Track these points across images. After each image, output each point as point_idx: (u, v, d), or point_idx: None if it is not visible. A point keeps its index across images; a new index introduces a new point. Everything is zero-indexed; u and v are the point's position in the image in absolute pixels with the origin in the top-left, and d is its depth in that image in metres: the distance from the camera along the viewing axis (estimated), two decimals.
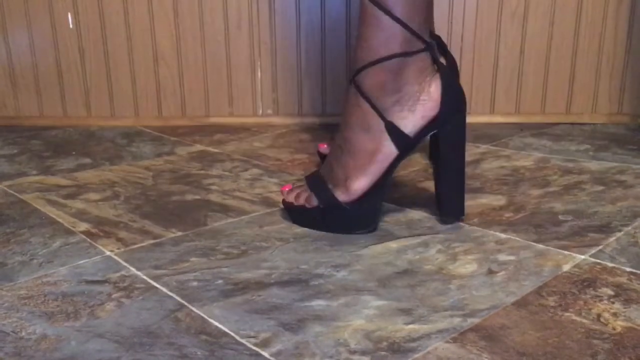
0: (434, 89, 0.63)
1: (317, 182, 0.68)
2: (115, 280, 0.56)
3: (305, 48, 1.20)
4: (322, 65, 1.21)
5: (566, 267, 0.57)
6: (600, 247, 0.61)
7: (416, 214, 0.71)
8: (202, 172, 0.91)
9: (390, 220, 0.70)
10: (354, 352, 0.44)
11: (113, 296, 0.53)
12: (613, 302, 0.50)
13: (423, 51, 0.62)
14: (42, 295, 0.53)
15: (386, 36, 0.61)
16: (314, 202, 0.67)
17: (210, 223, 0.70)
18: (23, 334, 0.47)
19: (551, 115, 1.21)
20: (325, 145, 0.88)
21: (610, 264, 0.57)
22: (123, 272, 0.57)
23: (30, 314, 0.50)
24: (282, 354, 0.44)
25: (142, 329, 0.47)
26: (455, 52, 1.19)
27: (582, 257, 0.59)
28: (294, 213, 0.69)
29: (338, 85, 1.22)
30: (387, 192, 0.68)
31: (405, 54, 0.61)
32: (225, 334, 0.46)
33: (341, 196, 0.65)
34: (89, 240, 0.65)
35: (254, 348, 0.45)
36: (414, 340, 0.45)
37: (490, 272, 0.56)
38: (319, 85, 1.22)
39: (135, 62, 1.22)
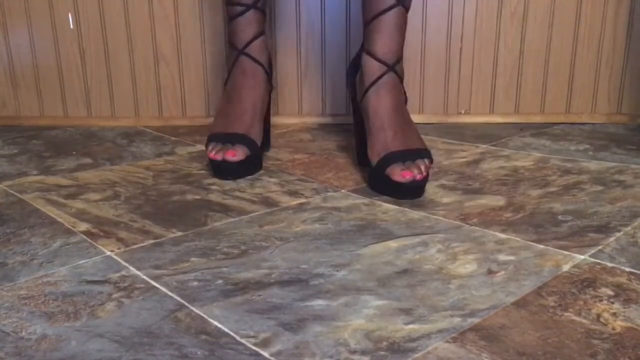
0: None
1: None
2: (115, 280, 0.56)
3: (305, 48, 1.20)
4: (322, 65, 1.21)
5: (566, 267, 0.57)
6: (600, 247, 0.61)
7: (416, 214, 0.72)
8: (203, 172, 0.91)
9: (390, 220, 0.70)
10: (354, 352, 0.44)
11: (113, 296, 0.53)
12: (613, 302, 0.50)
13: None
14: (43, 295, 0.53)
15: None
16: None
17: (210, 223, 0.70)
18: (23, 334, 0.47)
19: (550, 115, 1.21)
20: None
21: (609, 264, 0.57)
22: (123, 272, 0.57)
23: (31, 314, 0.50)
24: (282, 354, 0.44)
25: (142, 329, 0.47)
26: (454, 52, 1.19)
27: (582, 257, 0.59)
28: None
29: (338, 85, 1.22)
30: None
31: None
32: (225, 334, 0.47)
33: None
34: (89, 240, 0.65)
35: (254, 348, 0.45)
36: (413, 340, 0.45)
37: (490, 272, 0.56)
38: (319, 85, 1.22)
39: (136, 62, 1.22)
